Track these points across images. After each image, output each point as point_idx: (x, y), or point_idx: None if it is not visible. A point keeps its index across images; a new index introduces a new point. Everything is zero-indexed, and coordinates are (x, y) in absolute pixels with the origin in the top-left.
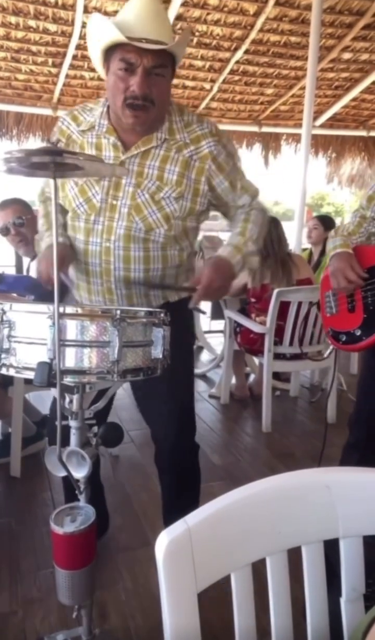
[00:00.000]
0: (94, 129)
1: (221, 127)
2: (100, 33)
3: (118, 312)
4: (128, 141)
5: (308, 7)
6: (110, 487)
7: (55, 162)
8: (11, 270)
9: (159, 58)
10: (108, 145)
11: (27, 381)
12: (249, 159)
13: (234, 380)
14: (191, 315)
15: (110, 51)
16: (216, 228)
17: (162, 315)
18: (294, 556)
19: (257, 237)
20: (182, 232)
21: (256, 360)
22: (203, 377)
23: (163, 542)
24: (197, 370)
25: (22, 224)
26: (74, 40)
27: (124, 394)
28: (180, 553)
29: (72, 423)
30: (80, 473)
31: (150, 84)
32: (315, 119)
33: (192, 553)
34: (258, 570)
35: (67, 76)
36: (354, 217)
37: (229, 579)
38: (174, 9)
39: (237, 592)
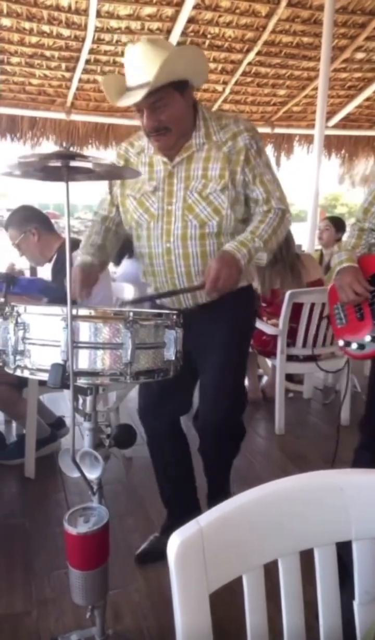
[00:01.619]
0: (144, 152)
1: None
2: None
3: (130, 314)
4: (172, 155)
5: (320, 8)
6: (123, 488)
7: (67, 165)
8: (25, 273)
9: (155, 94)
10: (158, 162)
11: (42, 383)
12: None
13: (246, 382)
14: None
15: None
16: None
17: (174, 317)
18: (307, 558)
19: (268, 237)
20: (234, 223)
21: (269, 362)
22: None
23: (175, 543)
24: None
25: (18, 246)
26: (87, 44)
27: (137, 396)
28: (192, 554)
29: (86, 424)
30: (93, 474)
31: (157, 116)
32: (328, 119)
33: (203, 554)
34: (270, 571)
35: (80, 80)
36: (353, 231)
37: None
38: (186, 11)
39: (249, 594)
